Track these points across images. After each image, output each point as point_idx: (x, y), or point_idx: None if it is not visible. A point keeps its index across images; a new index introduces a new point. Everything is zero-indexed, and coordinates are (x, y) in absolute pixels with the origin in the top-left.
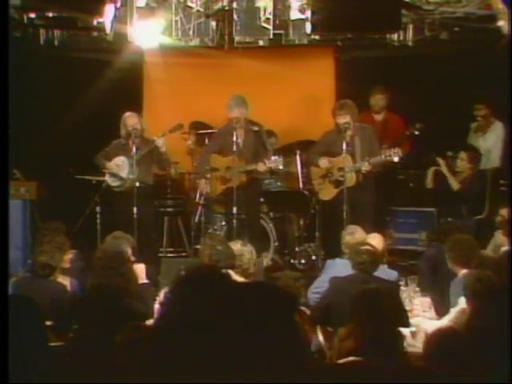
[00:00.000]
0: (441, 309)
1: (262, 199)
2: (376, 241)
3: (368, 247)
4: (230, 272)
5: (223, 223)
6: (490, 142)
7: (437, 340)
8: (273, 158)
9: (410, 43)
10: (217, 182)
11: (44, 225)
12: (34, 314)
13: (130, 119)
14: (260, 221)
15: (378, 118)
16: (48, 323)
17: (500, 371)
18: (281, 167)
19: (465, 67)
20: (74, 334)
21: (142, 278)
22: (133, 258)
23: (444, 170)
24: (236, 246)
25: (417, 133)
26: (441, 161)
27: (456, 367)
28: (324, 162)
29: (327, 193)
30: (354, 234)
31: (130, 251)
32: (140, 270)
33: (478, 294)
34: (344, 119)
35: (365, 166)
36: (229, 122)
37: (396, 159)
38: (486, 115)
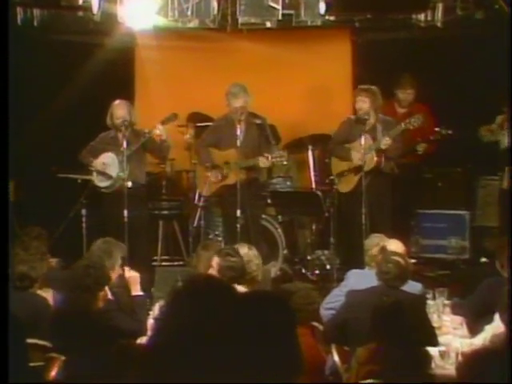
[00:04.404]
0: (474, 325)
1: (269, 201)
2: (394, 248)
3: (399, 259)
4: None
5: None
6: None
7: (472, 362)
8: (276, 152)
9: (439, 24)
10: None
11: (22, 230)
12: (15, 330)
13: (118, 110)
14: (261, 225)
15: (402, 110)
16: (29, 341)
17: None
18: (285, 162)
19: (502, 51)
20: (57, 353)
21: (136, 289)
22: (121, 271)
23: None
24: (243, 250)
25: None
26: None
27: None
28: (355, 154)
29: (347, 183)
30: (379, 245)
31: (120, 261)
32: (134, 280)
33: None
34: (363, 103)
35: (384, 140)
36: (229, 113)
37: (416, 125)
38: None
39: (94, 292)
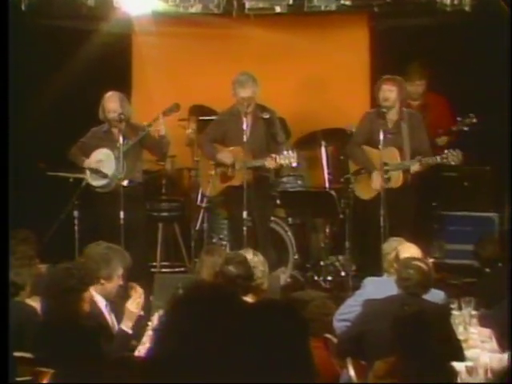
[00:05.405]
0: (504, 339)
1: (278, 201)
2: (408, 253)
3: (420, 264)
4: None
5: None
6: None
7: (502, 380)
8: (285, 152)
9: (467, 8)
10: (216, 179)
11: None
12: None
13: (110, 102)
14: (270, 227)
15: (415, 103)
16: (15, 354)
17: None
18: (294, 164)
19: None
20: (45, 366)
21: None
22: (121, 281)
23: None
24: (248, 255)
25: (466, 128)
26: None
27: None
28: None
29: (367, 191)
30: (397, 249)
31: (120, 271)
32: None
33: None
34: (390, 93)
35: (415, 167)
36: (235, 105)
37: (453, 163)
38: None
39: (78, 293)
